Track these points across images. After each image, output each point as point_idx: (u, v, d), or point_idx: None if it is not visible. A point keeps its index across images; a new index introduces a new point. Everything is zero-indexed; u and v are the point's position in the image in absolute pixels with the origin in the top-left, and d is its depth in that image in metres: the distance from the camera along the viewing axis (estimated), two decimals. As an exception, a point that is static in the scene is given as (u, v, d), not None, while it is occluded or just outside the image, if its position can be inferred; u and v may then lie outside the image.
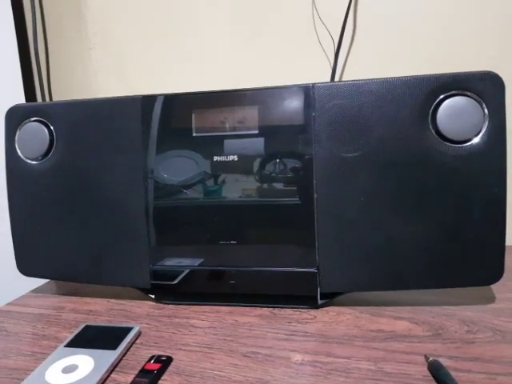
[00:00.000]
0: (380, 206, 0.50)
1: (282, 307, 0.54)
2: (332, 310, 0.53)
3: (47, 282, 0.68)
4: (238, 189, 0.55)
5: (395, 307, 0.52)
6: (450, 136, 0.48)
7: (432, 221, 0.49)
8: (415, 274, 0.51)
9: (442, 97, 0.48)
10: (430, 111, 0.49)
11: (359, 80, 0.50)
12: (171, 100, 0.56)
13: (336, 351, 0.43)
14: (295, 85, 0.52)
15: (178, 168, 0.56)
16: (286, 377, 0.40)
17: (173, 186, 0.56)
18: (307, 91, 0.51)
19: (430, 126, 0.48)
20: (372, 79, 0.50)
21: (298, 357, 0.43)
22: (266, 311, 0.54)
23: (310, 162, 0.51)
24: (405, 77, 0.49)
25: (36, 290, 0.66)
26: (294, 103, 0.52)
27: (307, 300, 0.54)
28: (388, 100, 0.49)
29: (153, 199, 0.56)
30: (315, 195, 0.52)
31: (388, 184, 0.50)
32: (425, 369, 0.39)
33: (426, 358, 0.40)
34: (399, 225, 0.50)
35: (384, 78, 0.50)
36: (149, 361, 0.43)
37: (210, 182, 0.55)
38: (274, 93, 0.53)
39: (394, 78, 0.49)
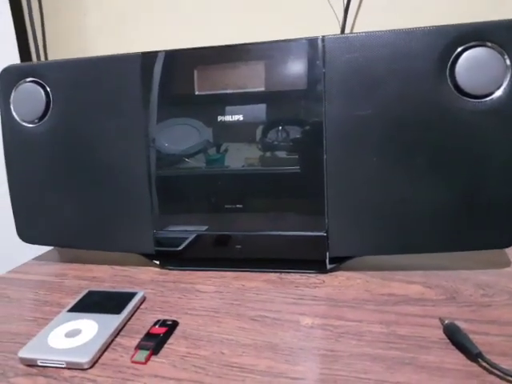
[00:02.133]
0: (393, 167, 0.48)
1: (289, 272, 0.53)
2: (341, 275, 0.51)
3: (50, 250, 0.67)
4: (243, 152, 0.52)
5: (406, 271, 0.51)
6: (469, 90, 0.45)
7: (447, 181, 0.47)
8: (428, 238, 0.49)
9: (461, 48, 0.45)
10: (449, 64, 0.45)
11: (373, 32, 0.47)
12: (172, 57, 0.53)
13: (347, 315, 0.42)
14: (304, 38, 0.49)
15: (180, 135, 0.53)
16: (296, 340, 0.38)
17: (175, 155, 0.54)
18: (317, 44, 0.48)
19: (449, 80, 0.45)
20: (386, 30, 0.46)
21: (307, 320, 0.42)
22: (272, 276, 0.52)
23: (320, 121, 0.49)
24: (421, 27, 0.46)
25: (38, 258, 0.64)
26: (303, 58, 0.49)
27: (315, 264, 0.52)
28: (403, 53, 0.46)
29: (155, 164, 0.54)
30: (325, 156, 0.49)
31: (402, 143, 0.47)
32: (440, 332, 0.38)
33: (442, 320, 0.39)
34: (413, 186, 0.48)
35: (399, 29, 0.46)
36: (154, 325, 0.41)
37: (213, 147, 0.53)
38: (281, 47, 0.50)
39: (410, 28, 0.46)
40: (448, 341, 0.37)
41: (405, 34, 0.46)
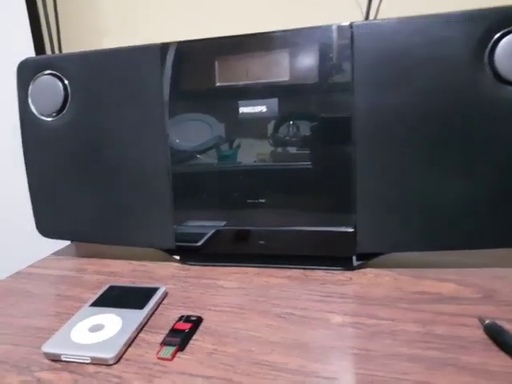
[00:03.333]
0: (425, 161, 0.46)
1: (314, 268, 0.51)
2: (369, 272, 0.49)
3: (68, 245, 0.67)
4: (267, 145, 0.50)
5: (438, 269, 0.48)
6: (510, 78, 0.42)
7: (483, 176, 0.45)
8: (460, 234, 0.47)
9: (500, 33, 0.43)
10: (487, 50, 0.43)
11: (404, 17, 0.45)
12: (192, 47, 0.52)
13: (378, 313, 0.40)
14: (331, 24, 0.47)
15: (201, 128, 0.52)
16: (326, 338, 0.37)
17: (196, 148, 0.53)
18: (345, 31, 0.46)
19: (487, 68, 0.43)
20: (419, 16, 0.44)
21: (337, 318, 0.40)
22: (295, 272, 0.51)
23: (349, 112, 0.47)
24: (457, 12, 0.43)
25: (57, 253, 0.64)
26: (329, 46, 0.47)
27: (341, 261, 0.50)
28: (437, 39, 0.44)
29: (174, 159, 0.53)
30: (354, 148, 0.47)
31: (436, 135, 0.45)
32: (480, 332, 0.36)
33: (481, 320, 0.37)
34: (446, 181, 0.45)
35: (432, 14, 0.44)
36: (178, 320, 0.40)
37: (235, 140, 0.51)
38: (306, 34, 0.48)
39: (444, 13, 0.44)
40: (490, 341, 0.34)
41: (438, 19, 0.44)
